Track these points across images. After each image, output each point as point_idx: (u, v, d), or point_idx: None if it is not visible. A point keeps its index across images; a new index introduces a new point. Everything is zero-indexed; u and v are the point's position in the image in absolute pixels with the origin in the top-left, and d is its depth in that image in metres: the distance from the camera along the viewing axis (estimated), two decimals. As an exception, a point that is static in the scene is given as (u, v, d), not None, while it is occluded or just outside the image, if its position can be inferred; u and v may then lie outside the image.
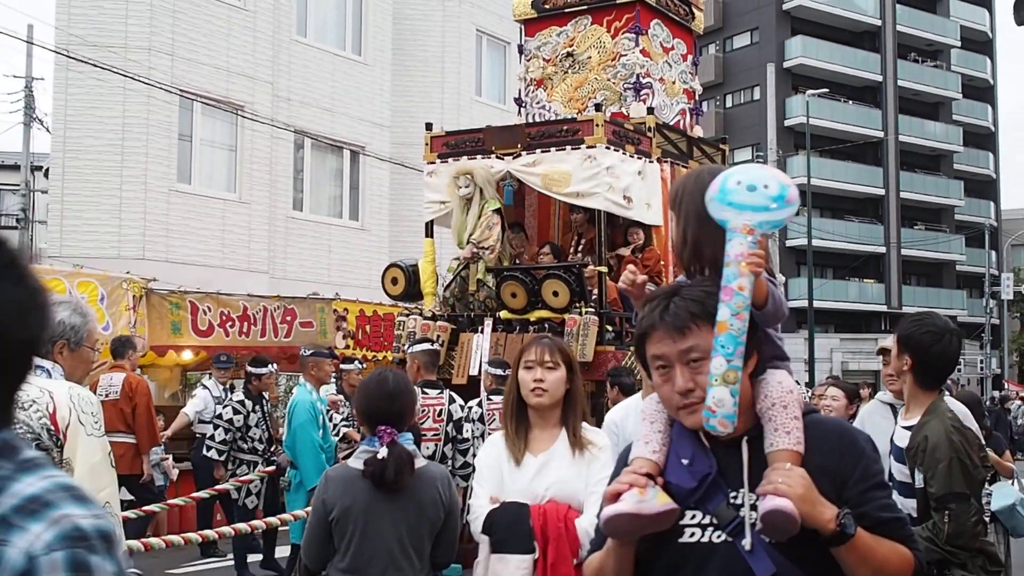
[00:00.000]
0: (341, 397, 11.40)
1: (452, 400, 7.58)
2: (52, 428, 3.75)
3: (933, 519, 3.98)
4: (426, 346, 8.66)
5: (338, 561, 4.03)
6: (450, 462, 8.13)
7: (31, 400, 3.76)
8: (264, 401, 10.93)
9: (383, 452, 3.96)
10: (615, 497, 2.25)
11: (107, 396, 10.03)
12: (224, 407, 10.88)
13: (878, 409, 5.88)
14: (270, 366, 10.94)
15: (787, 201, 2.29)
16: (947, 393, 5.31)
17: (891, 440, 4.44)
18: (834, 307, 48.09)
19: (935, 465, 3.99)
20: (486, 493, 4.11)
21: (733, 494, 2.24)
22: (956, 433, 4.07)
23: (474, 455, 7.41)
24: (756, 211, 2.25)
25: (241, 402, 10.72)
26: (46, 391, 3.81)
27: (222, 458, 10.67)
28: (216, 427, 10.69)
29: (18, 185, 26.40)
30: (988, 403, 25.05)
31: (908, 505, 4.20)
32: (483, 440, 7.20)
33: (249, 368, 10.90)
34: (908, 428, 4.26)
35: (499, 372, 8.56)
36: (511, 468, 4.11)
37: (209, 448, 10.71)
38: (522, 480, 4.07)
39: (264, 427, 10.73)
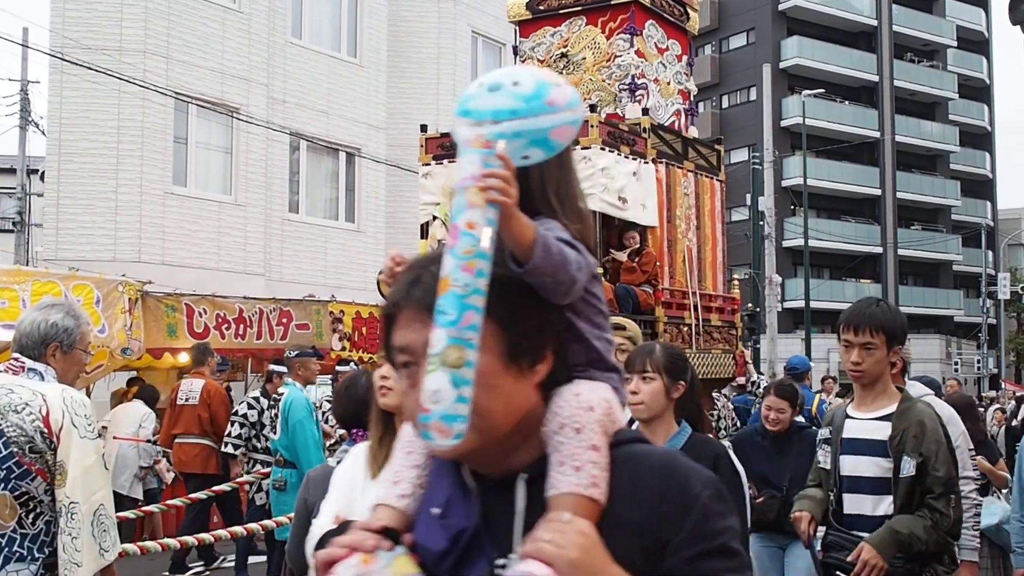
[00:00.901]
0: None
1: None
2: (45, 431, 3.76)
3: (930, 507, 3.89)
4: None
5: None
6: None
7: (24, 403, 3.77)
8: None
9: None
10: (327, 567, 1.55)
11: (186, 401, 11.17)
12: (240, 403, 10.98)
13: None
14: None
15: (548, 103, 1.59)
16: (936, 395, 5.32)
17: (842, 437, 4.27)
18: (831, 307, 48.04)
19: (938, 448, 3.91)
20: (331, 512, 3.55)
21: (500, 561, 1.52)
22: (940, 419, 4.11)
23: None
24: (497, 117, 1.58)
25: (256, 399, 10.81)
26: (39, 394, 3.82)
27: (238, 452, 10.71)
28: (232, 423, 10.73)
29: (14, 188, 26.41)
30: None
31: (884, 504, 4.16)
32: None
33: (272, 367, 11.01)
34: (879, 419, 4.14)
35: None
36: (365, 482, 3.58)
37: (226, 444, 10.75)
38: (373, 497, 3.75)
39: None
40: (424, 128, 11.24)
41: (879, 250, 51.65)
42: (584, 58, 11.57)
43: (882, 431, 4.04)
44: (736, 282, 13.11)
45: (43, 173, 21.39)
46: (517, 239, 1.52)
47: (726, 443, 5.81)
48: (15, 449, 3.72)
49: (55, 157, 18.59)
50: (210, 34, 19.61)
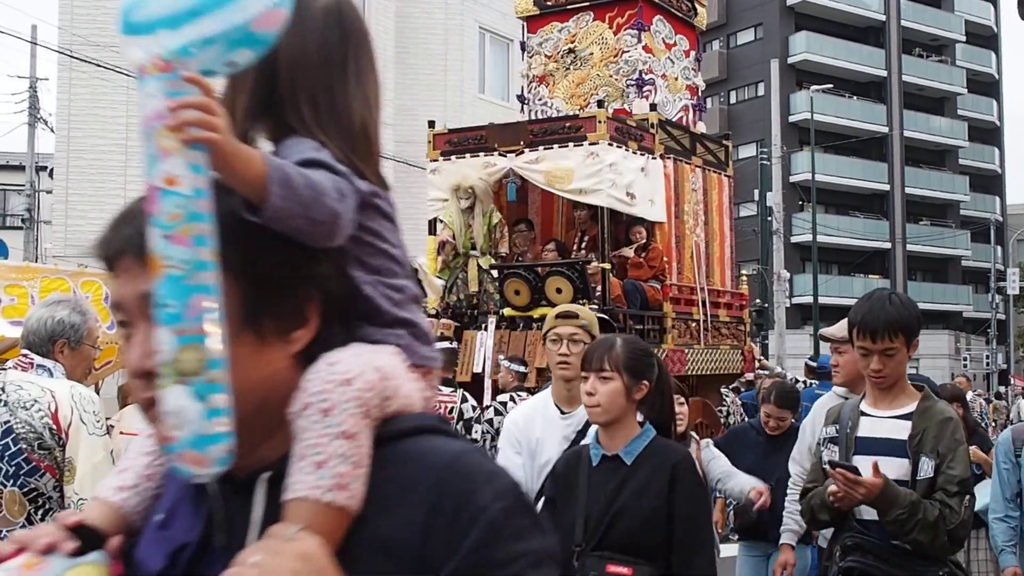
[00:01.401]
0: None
1: (464, 399, 7.59)
2: (54, 427, 3.77)
3: (943, 501, 3.62)
4: (444, 344, 8.67)
5: None
6: None
7: (33, 400, 3.78)
8: None
9: None
10: None
11: None
12: None
13: (834, 402, 5.15)
14: None
15: None
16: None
17: (857, 436, 3.90)
18: (839, 303, 47.88)
19: (956, 447, 3.70)
20: None
21: None
22: (961, 420, 3.95)
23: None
24: (174, 24, 1.12)
25: None
26: (47, 390, 3.84)
27: None
28: None
29: (23, 185, 26.47)
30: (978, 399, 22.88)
31: None
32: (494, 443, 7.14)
33: None
34: (899, 417, 3.83)
35: (521, 369, 8.58)
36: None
37: None
38: None
39: None
40: (432, 124, 11.25)
41: (888, 246, 51.56)
42: (591, 54, 11.58)
43: (902, 430, 3.78)
44: (744, 278, 13.10)
45: (52, 170, 21.46)
46: (242, 179, 1.14)
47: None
48: (24, 445, 3.74)
49: (64, 154, 18.65)
50: (218, 31, 19.65)
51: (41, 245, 25.53)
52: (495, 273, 10.13)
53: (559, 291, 9.55)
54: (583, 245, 10.90)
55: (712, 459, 5.62)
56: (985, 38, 60.51)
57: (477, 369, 9.76)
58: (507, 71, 26.17)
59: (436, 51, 24.73)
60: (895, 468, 3.71)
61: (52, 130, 21.80)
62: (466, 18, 25.16)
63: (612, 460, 3.50)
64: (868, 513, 3.73)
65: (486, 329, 9.93)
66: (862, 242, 49.91)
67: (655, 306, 10.83)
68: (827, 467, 3.76)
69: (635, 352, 3.63)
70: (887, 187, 52.37)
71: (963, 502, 3.63)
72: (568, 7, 11.75)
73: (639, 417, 3.58)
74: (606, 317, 8.08)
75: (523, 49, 12.19)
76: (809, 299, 35.73)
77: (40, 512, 3.81)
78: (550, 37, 11.86)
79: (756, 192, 33.59)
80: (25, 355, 4.03)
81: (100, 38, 18.16)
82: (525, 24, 12.17)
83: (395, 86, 23.40)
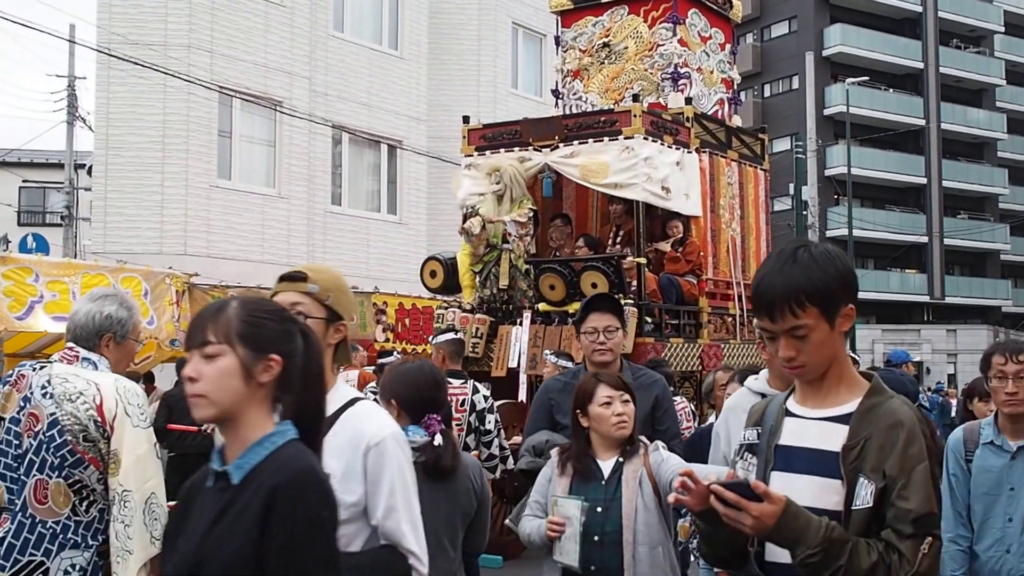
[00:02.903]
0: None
1: (476, 390, 7.61)
2: (99, 420, 3.82)
3: (889, 544, 2.44)
4: (450, 336, 8.68)
5: None
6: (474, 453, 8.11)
7: (78, 392, 3.84)
8: None
9: (439, 439, 3.99)
10: None
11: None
12: None
13: (749, 401, 3.98)
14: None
15: None
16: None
17: (778, 443, 2.70)
18: (876, 298, 47.66)
19: (912, 466, 2.48)
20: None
21: None
22: (926, 425, 2.60)
23: (500, 447, 7.45)
24: None
25: None
26: (92, 383, 3.89)
27: None
28: None
29: (62, 183, 26.73)
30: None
31: None
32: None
33: None
34: (832, 420, 2.63)
35: (568, 364, 8.54)
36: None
37: None
38: None
39: None
40: (466, 119, 11.27)
41: (924, 239, 51.09)
42: (626, 48, 11.55)
43: (834, 438, 2.58)
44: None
45: (90, 168, 21.66)
46: None
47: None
48: (69, 437, 3.79)
49: (102, 152, 18.81)
50: (253, 28, 19.74)
51: (80, 242, 25.78)
52: (527, 268, 10.13)
53: (594, 286, 9.54)
54: (618, 240, 10.88)
55: (662, 461, 4.36)
56: (1024, 29, 59.87)
57: (512, 364, 9.77)
58: (540, 66, 26.16)
59: (469, 47, 24.75)
60: (821, 492, 2.56)
61: (91, 128, 21.99)
62: (499, 14, 25.16)
63: (222, 479, 2.34)
64: (781, 553, 2.54)
65: (521, 324, 9.94)
66: (898, 236, 49.46)
67: (691, 301, 10.80)
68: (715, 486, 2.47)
69: (256, 315, 2.43)
70: (924, 180, 51.89)
71: (920, 547, 2.43)
72: (602, 1, 11.74)
73: (280, 415, 2.43)
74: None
75: (557, 44, 12.18)
76: (845, 293, 35.46)
77: (84, 504, 3.86)
78: (584, 31, 11.85)
79: (791, 186, 33.41)
80: (71, 348, 4.08)
81: (138, 37, 18.30)
82: (559, 18, 12.17)
83: (428, 82, 23.44)
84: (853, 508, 2.50)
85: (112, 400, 3.87)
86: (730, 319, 11.36)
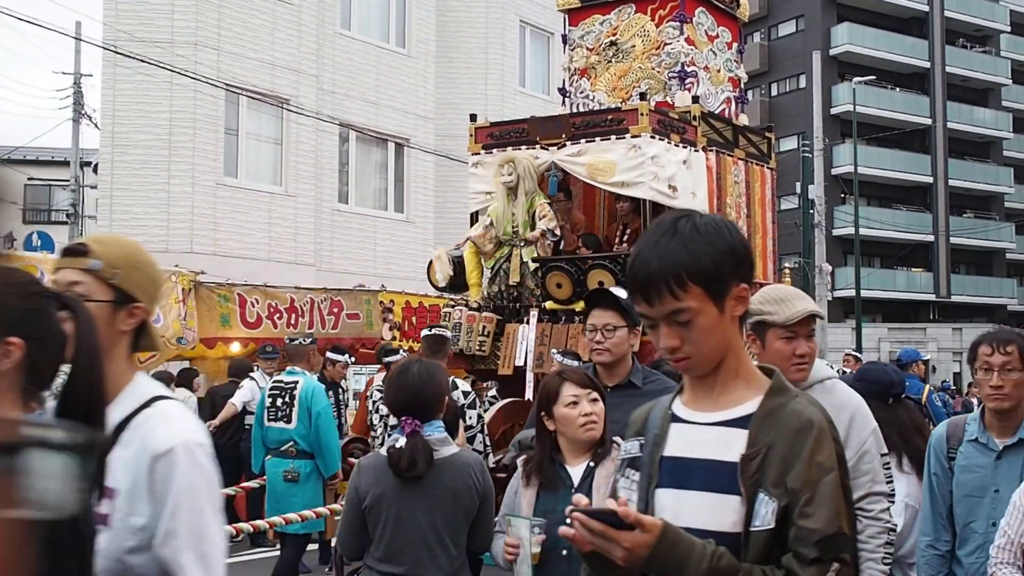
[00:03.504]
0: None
1: (454, 386, 7.60)
2: None
3: (789, 572, 2.06)
4: (432, 331, 8.71)
5: (373, 550, 4.07)
6: None
7: None
8: (340, 390, 10.99)
9: (401, 442, 4.01)
10: None
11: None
12: None
13: None
14: (347, 356, 11.06)
15: None
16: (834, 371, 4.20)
17: (663, 454, 2.24)
18: (882, 296, 47.63)
19: (819, 477, 2.08)
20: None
21: None
22: (834, 429, 2.20)
23: (484, 443, 7.49)
24: None
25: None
26: None
27: None
28: None
29: (68, 181, 26.78)
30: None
31: None
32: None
33: (329, 355, 11.03)
34: (727, 424, 2.19)
35: (574, 363, 8.52)
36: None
37: None
38: None
39: (335, 414, 10.74)
40: (473, 118, 11.26)
41: (931, 238, 51.03)
42: (633, 46, 11.54)
43: (730, 446, 2.16)
44: (786, 271, 13.04)
45: (96, 165, 21.68)
46: None
47: None
48: None
49: (108, 149, 18.83)
50: (260, 26, 19.75)
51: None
52: (535, 267, 10.13)
53: (601, 284, 9.53)
54: (625, 238, 10.87)
55: None
56: (1031, 28, 59.75)
57: (519, 362, 9.77)
58: (548, 65, 26.16)
59: (477, 45, 24.76)
60: (716, 511, 2.14)
61: (97, 126, 22.02)
62: (507, 12, 25.16)
63: None
64: None
65: (528, 322, 9.93)
66: (905, 235, 49.39)
67: (697, 299, 10.78)
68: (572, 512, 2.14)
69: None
70: (930, 179, 51.84)
71: (825, 575, 2.05)
72: (610, 0, 11.72)
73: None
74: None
75: (564, 42, 12.17)
76: (851, 292, 35.47)
77: None
78: (591, 30, 11.83)
79: (798, 185, 33.38)
80: None
81: (144, 34, 18.31)
82: (566, 17, 12.15)
83: (436, 80, 23.44)
84: (752, 529, 2.09)
85: None
86: (737, 318, 11.35)
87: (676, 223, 2.17)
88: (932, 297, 50.70)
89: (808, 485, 2.07)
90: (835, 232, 43.73)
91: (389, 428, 10.74)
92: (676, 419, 2.29)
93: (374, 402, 10.51)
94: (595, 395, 4.07)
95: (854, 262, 34.49)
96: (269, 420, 9.13)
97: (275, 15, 20.02)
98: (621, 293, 4.80)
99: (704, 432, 2.22)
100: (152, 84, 18.30)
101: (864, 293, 35.37)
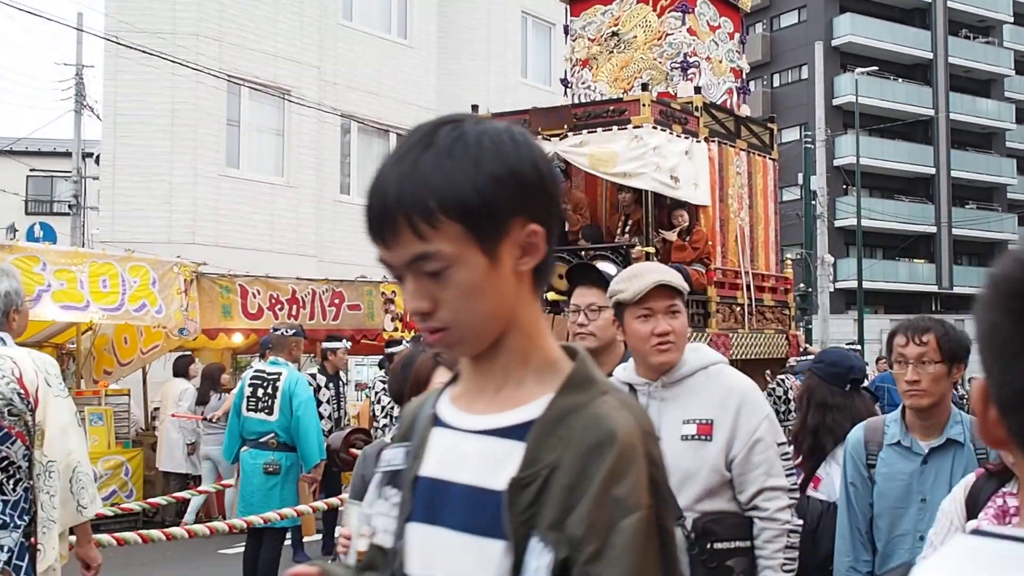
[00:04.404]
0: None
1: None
2: (22, 392, 3.77)
3: None
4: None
5: None
6: None
7: None
8: (340, 380, 10.99)
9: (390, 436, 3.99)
10: None
11: None
12: None
13: None
14: (343, 342, 11.03)
15: None
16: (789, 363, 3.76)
17: (418, 473, 1.57)
18: (884, 288, 47.61)
19: (613, 522, 1.36)
20: None
21: None
22: (653, 445, 1.48)
23: None
24: None
25: (313, 375, 10.53)
26: (7, 357, 3.84)
27: None
28: None
29: (70, 172, 26.74)
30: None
31: None
32: None
33: (324, 344, 11.02)
34: (498, 434, 1.50)
35: None
36: None
37: None
38: None
39: (335, 405, 10.72)
40: (475, 109, 11.26)
41: (933, 229, 51.00)
42: (635, 36, 11.53)
43: (500, 466, 1.46)
44: (788, 262, 13.03)
45: (98, 156, 21.68)
46: None
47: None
48: None
49: (110, 140, 18.81)
50: (262, 17, 19.72)
51: (88, 231, 25.83)
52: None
53: (603, 275, 9.55)
54: (627, 229, 10.88)
55: None
56: (1034, 19, 59.62)
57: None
58: (549, 55, 26.12)
59: (479, 36, 24.72)
60: (475, 562, 1.45)
61: (98, 117, 21.99)
62: (508, 3, 25.12)
63: None
64: None
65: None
66: (907, 226, 49.36)
67: (699, 290, 10.79)
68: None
69: None
70: (933, 170, 51.78)
71: None
72: (611, -10, 11.72)
73: None
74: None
75: (566, 33, 12.16)
76: (853, 284, 35.45)
77: (11, 482, 3.79)
78: (593, 20, 11.83)
79: (800, 176, 33.35)
80: None
81: (146, 25, 18.29)
82: (568, 7, 12.14)
83: (438, 71, 23.41)
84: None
85: (32, 371, 3.85)
86: (739, 308, 11.35)
87: (436, 130, 1.47)
88: (934, 288, 50.68)
89: (596, 532, 1.36)
90: (837, 223, 43.69)
91: (392, 419, 10.77)
92: (439, 422, 1.60)
93: (376, 393, 10.55)
94: None
95: (856, 253, 34.46)
96: (248, 410, 8.75)
97: (277, 6, 20.00)
98: (609, 268, 4.54)
99: (470, 443, 1.52)
100: (154, 75, 18.28)
101: (866, 284, 35.34)
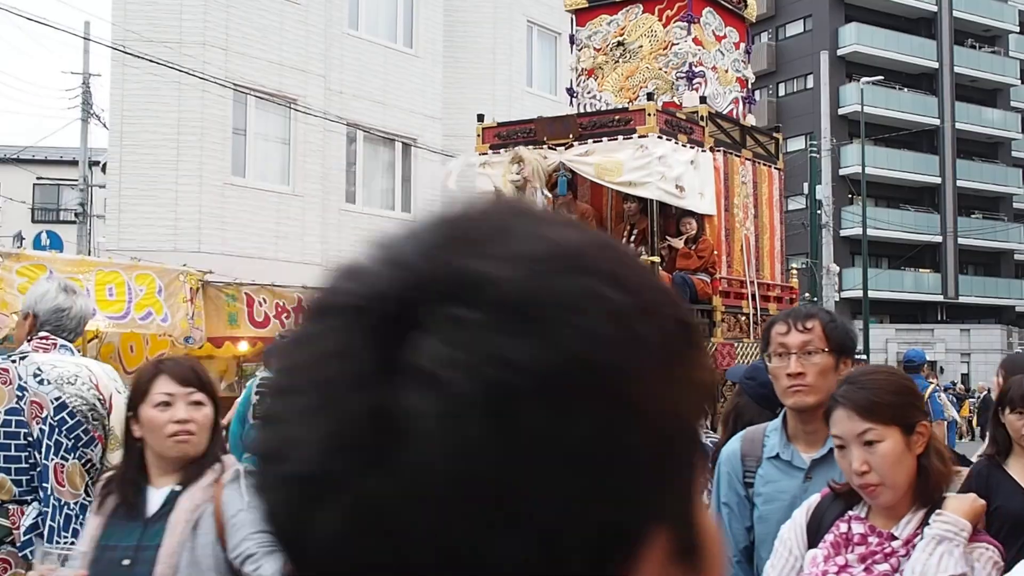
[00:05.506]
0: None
1: None
2: (102, 397, 3.94)
3: None
4: None
5: None
6: None
7: (73, 375, 3.94)
8: None
9: None
10: None
11: None
12: None
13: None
14: None
15: None
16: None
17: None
18: (889, 297, 47.53)
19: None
20: None
21: None
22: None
23: None
24: None
25: None
26: (82, 366, 4.09)
27: None
28: None
29: (76, 180, 26.82)
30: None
31: None
32: None
33: None
34: None
35: None
36: None
37: None
38: None
39: None
40: (481, 118, 11.28)
41: (939, 239, 50.93)
42: (641, 46, 11.54)
43: None
44: (794, 272, 13.01)
45: (105, 165, 21.71)
46: None
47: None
48: (80, 418, 3.89)
49: (117, 149, 18.86)
50: (268, 26, 19.77)
51: (94, 239, 25.86)
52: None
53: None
54: (632, 238, 10.88)
55: (241, 510, 3.19)
56: (1039, 28, 59.60)
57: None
58: (555, 65, 26.14)
59: (484, 45, 24.75)
60: None
61: (105, 126, 22.06)
62: (514, 12, 25.16)
63: None
64: None
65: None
66: (913, 236, 49.29)
67: (704, 300, 10.79)
68: None
69: None
70: (938, 180, 51.74)
71: None
72: (617, 0, 11.73)
73: None
74: None
75: (572, 42, 12.18)
76: (859, 293, 35.40)
77: (94, 483, 3.93)
78: (599, 30, 11.84)
79: (805, 185, 33.34)
80: (46, 337, 4.15)
81: (152, 34, 18.35)
82: (574, 17, 12.16)
83: (443, 80, 23.44)
84: None
85: (105, 379, 4.06)
86: (744, 318, 11.34)
87: None
88: (940, 298, 50.59)
89: None
90: (842, 233, 43.66)
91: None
92: None
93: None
94: (200, 397, 2.99)
95: (861, 263, 34.42)
96: (255, 418, 8.43)
97: (283, 15, 20.05)
98: None
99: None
100: (160, 84, 18.33)
101: (871, 294, 35.30)
